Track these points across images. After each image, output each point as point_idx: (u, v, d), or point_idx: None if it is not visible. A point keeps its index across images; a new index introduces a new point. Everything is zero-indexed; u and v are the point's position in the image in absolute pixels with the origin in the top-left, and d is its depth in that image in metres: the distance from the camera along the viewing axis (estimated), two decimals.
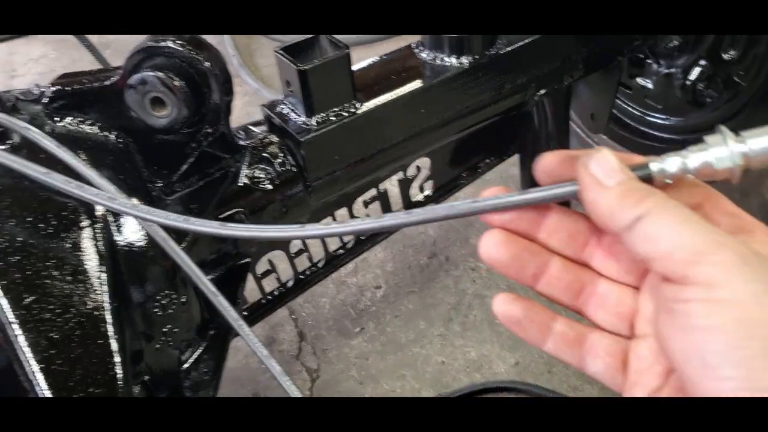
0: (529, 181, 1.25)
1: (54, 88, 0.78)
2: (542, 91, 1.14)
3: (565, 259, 0.53)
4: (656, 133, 1.42)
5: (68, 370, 0.67)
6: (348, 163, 0.97)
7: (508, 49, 1.04)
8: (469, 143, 1.20)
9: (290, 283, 1.14)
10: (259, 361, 1.48)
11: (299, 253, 1.13)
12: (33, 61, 2.69)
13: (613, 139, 1.50)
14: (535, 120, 1.19)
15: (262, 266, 1.09)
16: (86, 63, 2.59)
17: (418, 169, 1.17)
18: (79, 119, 0.80)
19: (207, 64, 0.75)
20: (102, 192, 0.62)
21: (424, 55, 1.03)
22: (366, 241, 1.18)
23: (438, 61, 1.02)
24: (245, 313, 1.10)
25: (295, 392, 0.73)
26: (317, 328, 1.55)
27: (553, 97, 1.18)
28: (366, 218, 0.54)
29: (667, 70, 1.34)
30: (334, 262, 1.17)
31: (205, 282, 0.69)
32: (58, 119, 0.79)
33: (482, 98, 1.05)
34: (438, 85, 1.00)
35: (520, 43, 1.05)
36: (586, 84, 1.33)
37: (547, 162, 0.50)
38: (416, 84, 0.99)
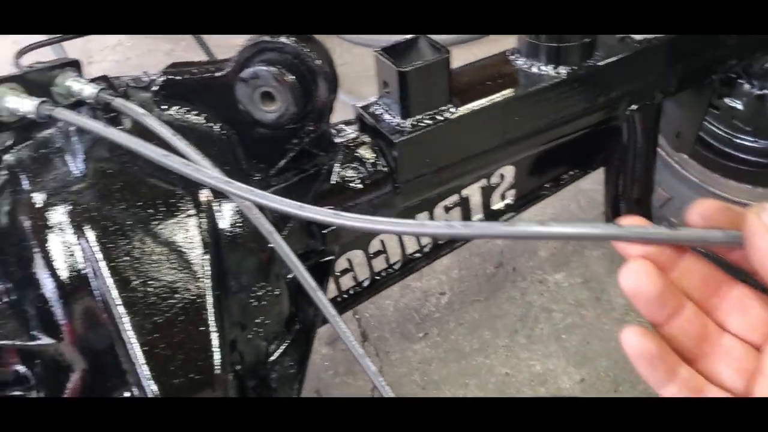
0: (613, 197, 1.23)
1: (164, 77, 0.80)
2: (634, 106, 1.12)
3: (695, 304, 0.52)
4: (743, 155, 1.38)
5: (170, 355, 0.68)
6: (438, 166, 0.96)
7: (606, 61, 1.03)
8: (555, 154, 1.18)
9: (366, 283, 1.14)
10: (322, 359, 1.49)
11: (377, 254, 1.13)
12: (109, 49, 2.76)
13: (696, 160, 1.47)
14: (625, 135, 1.16)
15: (340, 265, 1.10)
16: (161, 55, 2.65)
17: (502, 177, 1.16)
18: (186, 109, 0.81)
19: (318, 61, 0.76)
20: (218, 176, 0.63)
21: (520, 62, 1.02)
22: (444, 246, 1.17)
23: (534, 70, 1.01)
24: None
25: (388, 392, 0.73)
26: (380, 329, 1.54)
27: (644, 113, 1.16)
28: (479, 223, 0.53)
29: (759, 92, 1.31)
30: (410, 265, 1.17)
31: (306, 276, 0.70)
32: (165, 107, 0.80)
33: (575, 110, 1.04)
34: (533, 94, 0.99)
35: (617, 57, 1.03)
36: (675, 101, 1.31)
37: (706, 207, 0.49)
38: (511, 91, 0.98)
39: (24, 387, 0.80)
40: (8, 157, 0.75)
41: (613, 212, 1.24)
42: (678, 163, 1.53)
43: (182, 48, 2.66)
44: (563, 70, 1.00)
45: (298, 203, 0.60)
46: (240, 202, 0.69)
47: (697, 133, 1.31)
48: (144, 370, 0.67)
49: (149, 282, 0.69)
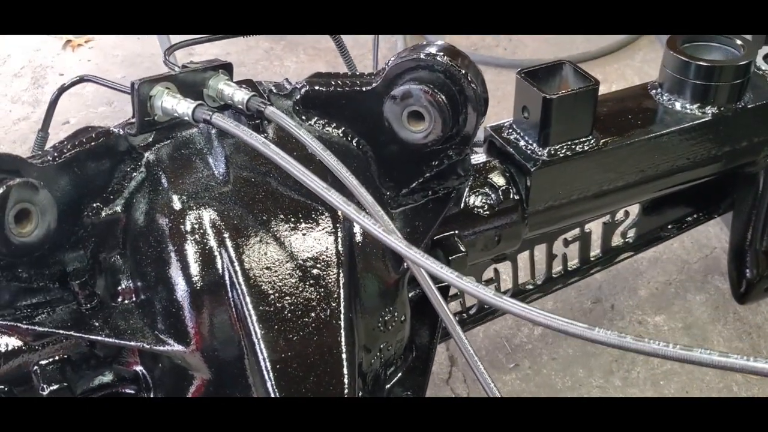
0: (738, 246, 1.16)
1: (307, 87, 0.78)
2: None
3: None
4: None
5: (301, 376, 0.65)
6: (570, 199, 0.92)
7: (756, 104, 0.96)
8: (681, 195, 1.12)
9: (473, 311, 1.11)
10: None
11: (489, 282, 1.09)
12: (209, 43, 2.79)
13: None
14: (761, 183, 1.10)
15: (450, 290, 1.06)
16: (261, 51, 2.67)
17: (626, 213, 1.11)
18: (325, 121, 0.79)
19: (472, 84, 0.73)
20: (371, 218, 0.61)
21: (663, 98, 0.97)
22: (558, 279, 1.12)
23: (678, 107, 0.96)
24: None
25: None
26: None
27: None
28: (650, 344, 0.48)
29: None
30: (520, 296, 1.12)
31: (442, 304, 0.67)
32: (305, 118, 0.79)
33: (716, 153, 0.98)
34: (676, 133, 0.94)
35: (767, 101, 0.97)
36: None
37: None
38: (654, 128, 0.93)
39: (139, 388, 0.79)
40: (148, 155, 0.75)
41: (737, 260, 1.17)
42: None
43: (281, 47, 2.68)
44: (710, 111, 0.95)
45: (456, 273, 0.58)
46: (398, 248, 0.66)
47: None
48: (274, 389, 0.64)
49: (286, 297, 0.67)
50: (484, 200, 0.89)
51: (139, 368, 0.76)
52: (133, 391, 0.80)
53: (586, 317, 1.55)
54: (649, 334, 1.51)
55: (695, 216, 1.17)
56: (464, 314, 1.10)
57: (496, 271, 1.07)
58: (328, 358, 0.67)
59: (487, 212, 0.89)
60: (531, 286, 1.12)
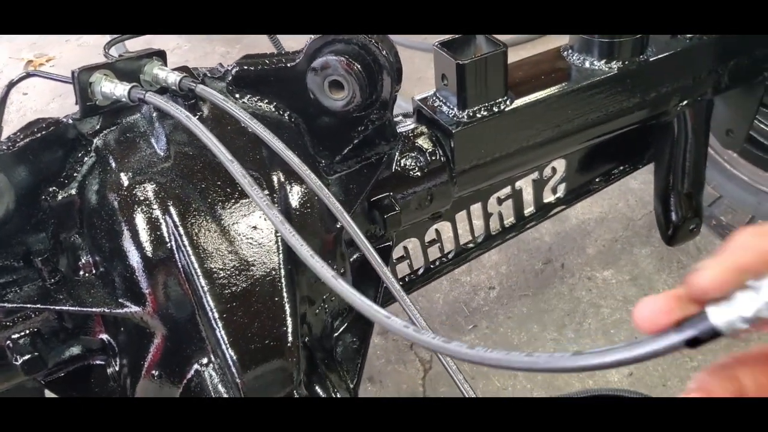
0: (662, 192, 1.25)
1: (238, 68, 0.85)
2: (684, 102, 1.14)
3: None
4: None
5: (247, 323, 0.73)
6: (493, 157, 1.00)
7: (657, 57, 1.05)
8: (606, 149, 1.21)
9: (420, 271, 1.19)
10: (374, 347, 1.53)
11: (432, 243, 1.17)
12: (168, 51, 2.85)
13: (746, 158, 1.48)
14: (675, 131, 1.19)
15: (396, 252, 1.14)
16: (217, 57, 2.74)
17: (554, 170, 1.19)
18: (257, 98, 0.86)
19: (384, 51, 0.81)
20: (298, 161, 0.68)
21: (573, 57, 1.06)
22: (496, 236, 1.21)
23: (587, 65, 1.05)
24: None
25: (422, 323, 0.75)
26: (430, 321, 1.58)
27: (695, 110, 1.18)
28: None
29: None
30: (463, 254, 1.21)
31: (373, 254, 0.74)
32: (238, 96, 0.86)
33: (627, 104, 1.07)
34: (586, 88, 1.02)
35: (669, 52, 1.06)
36: (726, 99, 1.32)
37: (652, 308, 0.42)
38: (564, 86, 1.01)
39: (107, 355, 0.86)
40: (97, 141, 0.82)
41: (662, 206, 1.26)
42: (728, 161, 1.54)
43: (237, 51, 2.75)
44: (615, 65, 1.04)
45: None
46: (311, 184, 0.73)
47: (748, 131, 1.32)
48: (223, 336, 0.72)
49: (227, 256, 0.75)
50: (413, 163, 0.97)
51: (104, 336, 0.84)
52: (102, 362, 0.87)
53: (538, 278, 1.64)
54: (599, 288, 1.60)
55: (621, 168, 1.26)
56: (412, 275, 1.17)
57: (437, 231, 1.15)
58: (271, 305, 0.74)
59: (418, 173, 0.97)
60: (472, 245, 1.20)
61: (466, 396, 0.73)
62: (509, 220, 1.21)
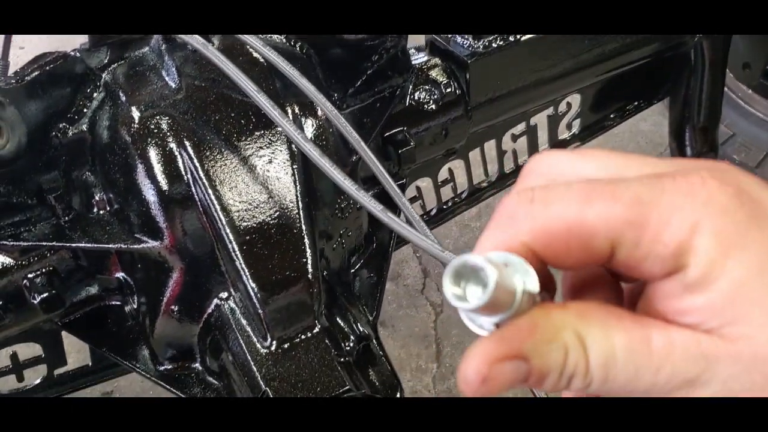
0: (677, 125, 1.23)
1: None
2: (702, 34, 1.12)
3: None
4: None
5: (267, 254, 0.72)
6: (509, 89, 0.98)
7: None
8: (621, 84, 1.18)
9: (433, 212, 1.17)
10: (385, 294, 1.53)
11: (445, 182, 1.15)
12: None
13: (761, 94, 1.45)
14: (693, 60, 1.16)
15: (408, 193, 1.13)
16: None
17: (569, 105, 1.17)
18: None
19: None
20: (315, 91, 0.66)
21: None
22: (510, 175, 1.19)
23: None
24: None
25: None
26: (440, 266, 1.58)
27: (713, 42, 1.16)
28: None
29: None
30: (476, 194, 1.19)
31: (390, 182, 0.72)
32: None
33: (645, 34, 1.04)
34: None
35: None
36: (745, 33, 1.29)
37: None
38: None
39: (124, 295, 0.85)
40: (105, 76, 0.80)
41: (677, 141, 1.24)
42: (742, 98, 1.51)
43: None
44: None
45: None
46: (327, 112, 0.72)
47: (766, 66, 1.29)
48: (243, 268, 0.71)
49: (244, 188, 0.73)
50: (428, 96, 0.95)
51: (121, 275, 0.83)
52: (118, 302, 0.87)
53: None
54: None
55: (636, 104, 1.23)
56: (425, 216, 1.16)
57: (450, 171, 1.14)
58: (290, 237, 0.73)
59: (432, 107, 0.95)
60: (486, 184, 1.19)
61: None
62: (524, 158, 1.19)
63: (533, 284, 0.32)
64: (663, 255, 0.31)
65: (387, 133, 0.93)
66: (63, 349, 0.94)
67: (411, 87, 0.94)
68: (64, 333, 0.91)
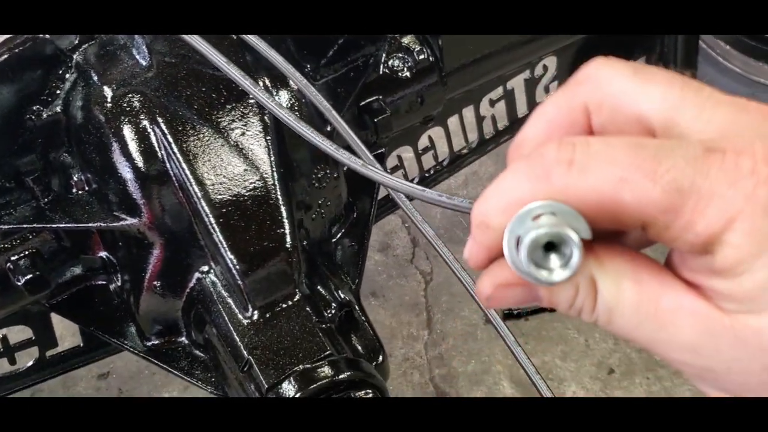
0: None
1: None
2: None
3: None
4: None
5: (244, 225, 0.73)
6: (483, 53, 0.99)
7: None
8: (596, 44, 1.19)
9: (416, 181, 1.18)
10: (375, 264, 1.55)
11: (426, 150, 1.16)
12: None
13: (739, 50, 1.46)
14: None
15: (389, 163, 1.13)
16: None
17: (545, 68, 1.18)
18: None
19: None
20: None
21: None
22: (490, 141, 1.20)
23: None
24: None
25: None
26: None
27: None
28: None
29: None
30: (458, 161, 1.20)
31: (366, 153, 0.73)
32: None
33: None
34: None
35: None
36: None
37: None
38: None
39: (108, 273, 0.86)
40: (76, 56, 0.80)
41: None
42: (720, 54, 1.52)
43: None
44: None
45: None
46: (298, 82, 0.72)
47: None
48: (221, 240, 0.72)
49: (218, 162, 0.74)
50: (401, 64, 0.95)
51: (104, 254, 0.84)
52: (103, 281, 0.88)
53: None
54: None
55: None
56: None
57: (430, 138, 1.14)
58: (266, 208, 0.74)
59: (407, 74, 0.95)
60: (466, 150, 1.19)
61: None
62: (503, 122, 1.20)
63: (586, 232, 0.31)
64: (693, 242, 0.31)
65: (362, 102, 0.94)
66: (53, 330, 0.95)
67: (384, 55, 0.94)
68: (57, 317, 0.92)
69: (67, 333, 1.12)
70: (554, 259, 0.31)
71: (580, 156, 0.31)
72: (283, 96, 0.81)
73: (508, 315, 1.40)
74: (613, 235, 0.36)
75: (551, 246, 0.31)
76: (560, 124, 0.36)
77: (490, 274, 0.34)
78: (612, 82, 0.34)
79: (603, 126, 0.35)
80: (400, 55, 0.95)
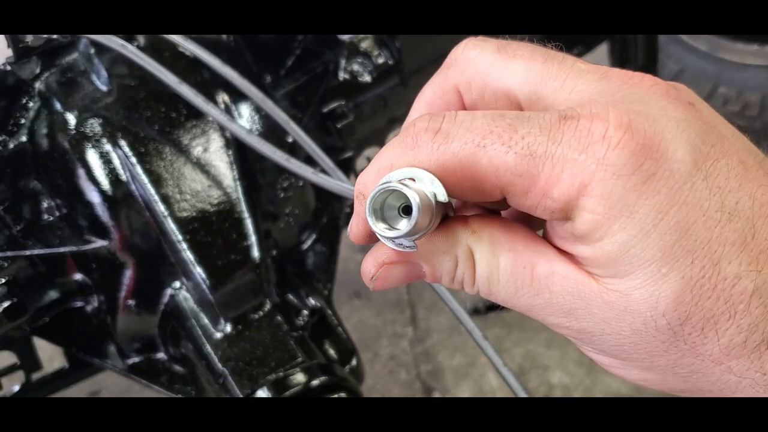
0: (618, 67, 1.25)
1: None
2: None
3: None
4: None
5: (210, 241, 0.75)
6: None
7: None
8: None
9: None
10: (357, 265, 1.56)
11: None
12: None
13: None
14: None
15: (359, 165, 1.15)
16: None
17: None
18: None
19: None
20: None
21: None
22: None
23: None
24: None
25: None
26: None
27: None
28: None
29: None
30: None
31: (325, 159, 0.75)
32: None
33: None
34: None
35: None
36: None
37: None
38: None
39: (84, 296, 0.88)
40: (38, 85, 0.81)
41: None
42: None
43: None
44: None
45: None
46: (254, 97, 0.74)
47: None
48: (189, 257, 0.74)
49: (182, 179, 0.76)
50: (361, 68, 0.97)
51: (78, 276, 0.85)
52: (81, 303, 0.89)
53: None
54: None
55: (576, 50, 1.25)
56: None
57: None
58: (232, 222, 0.76)
59: (367, 78, 0.97)
60: None
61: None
62: None
63: (442, 194, 0.32)
64: (552, 208, 0.32)
65: (326, 109, 0.95)
66: (36, 354, 0.96)
67: (344, 61, 0.96)
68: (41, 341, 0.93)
69: (56, 353, 1.13)
70: (404, 221, 0.32)
71: (445, 125, 0.33)
72: (244, 110, 0.83)
73: (492, 307, 1.42)
74: (493, 211, 0.38)
75: (409, 210, 0.31)
76: (437, 105, 0.38)
77: (374, 254, 0.36)
78: (477, 62, 0.36)
79: (474, 103, 0.37)
80: (360, 60, 0.97)
